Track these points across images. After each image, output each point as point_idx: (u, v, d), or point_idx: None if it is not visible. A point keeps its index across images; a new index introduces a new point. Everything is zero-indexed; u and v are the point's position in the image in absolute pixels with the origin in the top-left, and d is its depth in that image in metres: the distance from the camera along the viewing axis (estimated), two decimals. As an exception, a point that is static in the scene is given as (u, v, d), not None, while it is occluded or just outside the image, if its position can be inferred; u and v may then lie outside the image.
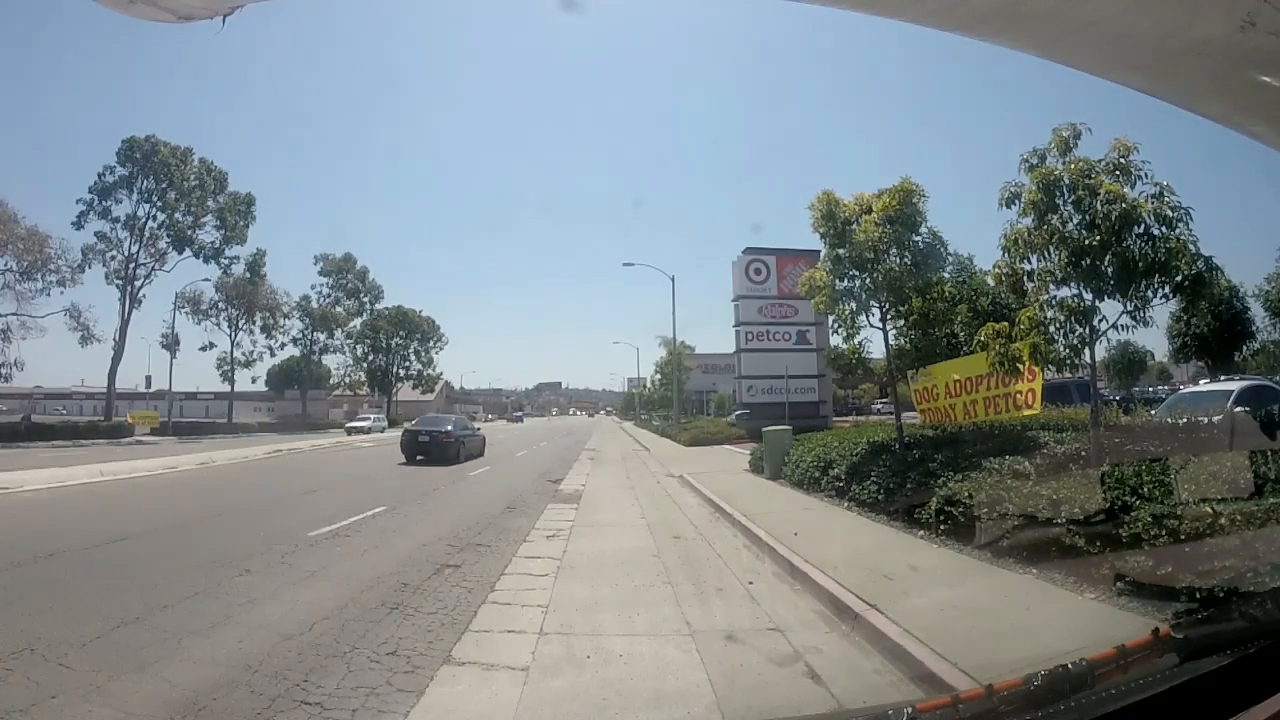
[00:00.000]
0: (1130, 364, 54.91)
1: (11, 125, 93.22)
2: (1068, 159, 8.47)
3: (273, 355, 67.33)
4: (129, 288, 51.11)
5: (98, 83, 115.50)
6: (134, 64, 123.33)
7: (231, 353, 63.28)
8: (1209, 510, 5.37)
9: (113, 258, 50.94)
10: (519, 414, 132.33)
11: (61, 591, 7.10)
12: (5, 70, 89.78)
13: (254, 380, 68.88)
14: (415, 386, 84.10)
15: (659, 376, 65.19)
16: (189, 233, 53.70)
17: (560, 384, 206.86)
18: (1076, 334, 8.33)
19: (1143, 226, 7.94)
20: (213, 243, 55.43)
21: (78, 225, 50.21)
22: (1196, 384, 25.47)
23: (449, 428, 26.03)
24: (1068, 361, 8.52)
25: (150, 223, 52.45)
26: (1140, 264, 7.85)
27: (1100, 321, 8.34)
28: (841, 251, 12.10)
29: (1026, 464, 7.97)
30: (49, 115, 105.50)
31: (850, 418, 43.76)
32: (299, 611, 6.41)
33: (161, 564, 8.41)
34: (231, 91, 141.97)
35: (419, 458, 24.19)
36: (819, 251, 13.43)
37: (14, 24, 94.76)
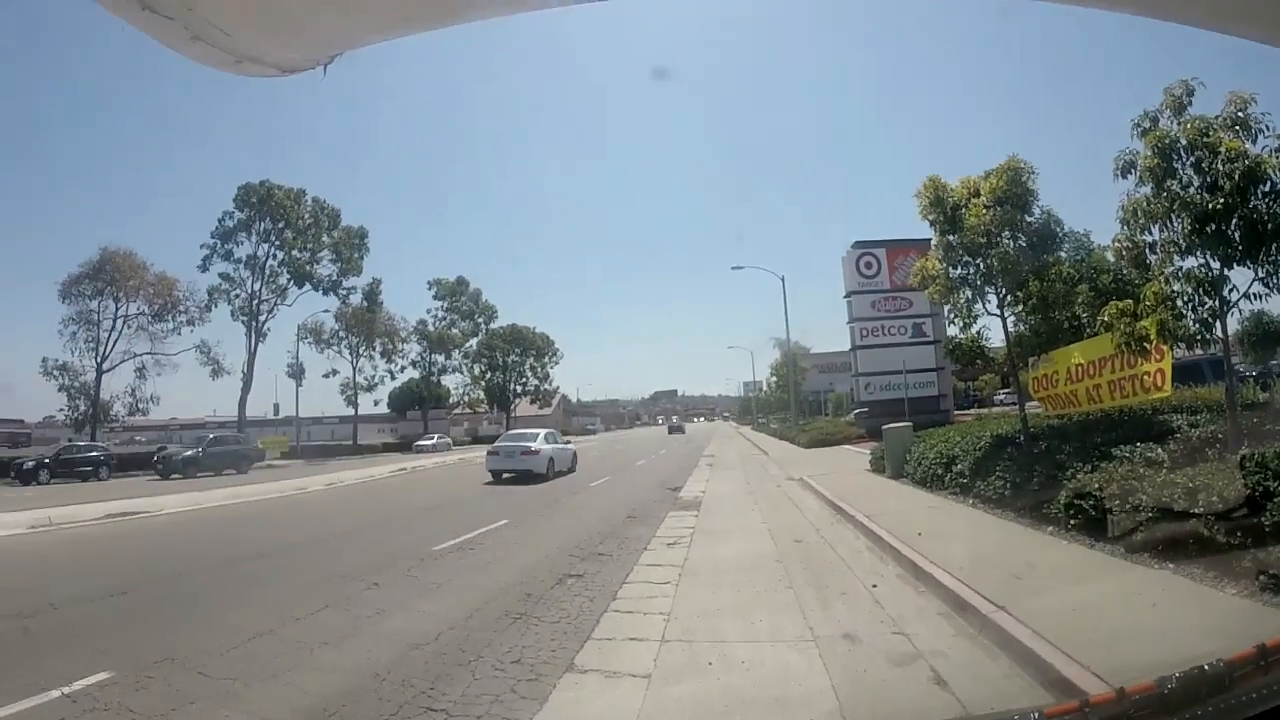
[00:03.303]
0: (1266, 335, 50.46)
1: (139, 182, 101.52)
2: (1183, 118, 8.03)
3: (393, 378, 70.00)
4: (254, 322, 54.72)
5: (213, 135, 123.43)
6: (247, 113, 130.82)
7: (354, 378, 65.92)
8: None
9: (237, 296, 54.80)
10: (592, 425, 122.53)
11: (199, 606, 7.67)
12: (131, 134, 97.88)
13: (376, 403, 71.25)
14: (533, 401, 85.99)
15: (775, 379, 64.56)
16: (307, 268, 56.97)
17: (676, 391, 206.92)
18: (1206, 307, 7.79)
19: (1269, 184, 7.39)
20: (330, 275, 58.72)
21: (203, 268, 54.30)
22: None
23: (676, 420, 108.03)
24: (1198, 337, 8.02)
25: (270, 261, 56.14)
26: (1270, 225, 7.32)
27: (1231, 291, 7.78)
28: (952, 238, 11.75)
29: (1159, 451, 7.55)
30: (170, 169, 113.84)
31: (972, 411, 42.20)
32: (425, 622, 6.68)
33: (292, 579, 8.95)
34: (342, 133, 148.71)
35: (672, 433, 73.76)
36: (929, 240, 13.11)
37: (138, 91, 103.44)
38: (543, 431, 25.31)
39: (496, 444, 24.60)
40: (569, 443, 29.17)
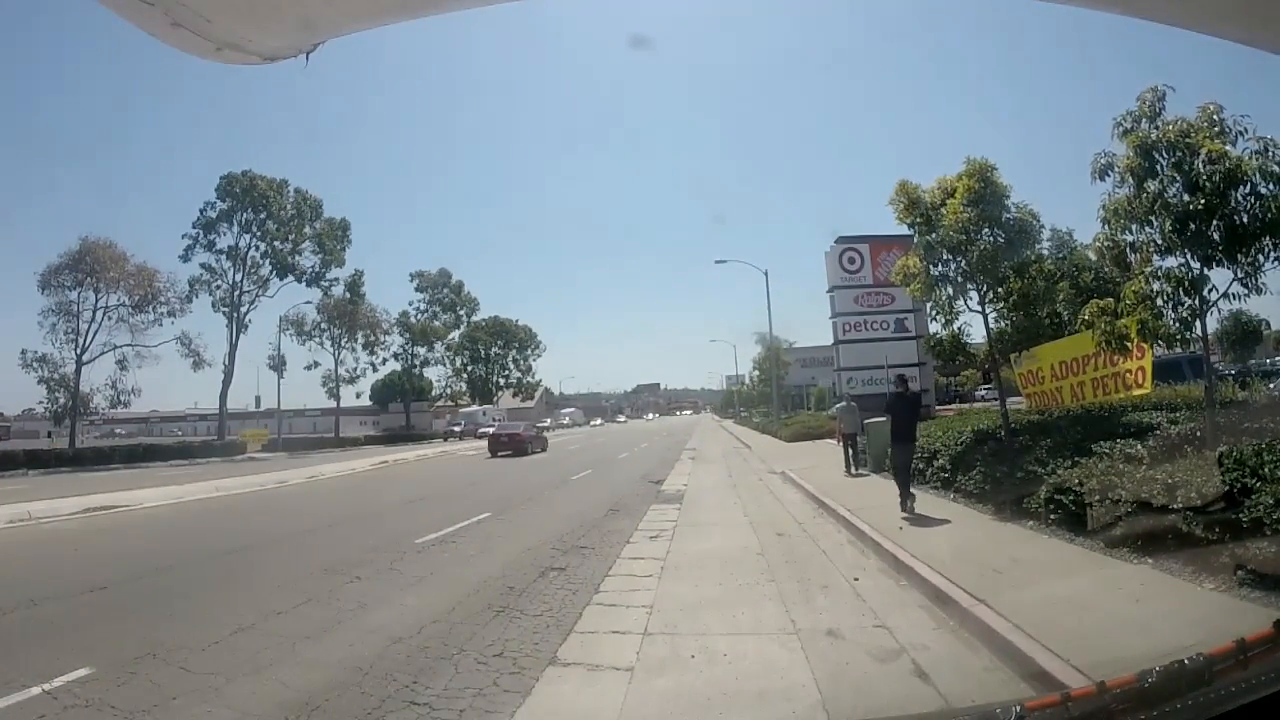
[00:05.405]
0: (1245, 335, 50.96)
1: (118, 173, 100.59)
2: (1162, 120, 8.07)
3: (375, 370, 69.31)
4: (235, 314, 54.16)
5: (195, 125, 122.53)
6: (228, 102, 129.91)
7: (335, 370, 65.31)
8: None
9: (218, 287, 54.28)
10: (565, 418, 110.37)
11: (180, 600, 7.62)
12: (109, 124, 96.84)
13: (358, 395, 70.79)
14: (516, 394, 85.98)
15: (757, 373, 64.56)
16: (289, 259, 56.50)
17: (658, 385, 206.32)
18: (1185, 306, 7.85)
19: (1249, 185, 7.44)
20: (312, 267, 58.29)
21: (184, 259, 53.72)
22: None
23: (656, 415, 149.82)
24: (1178, 336, 8.09)
25: (252, 252, 55.60)
26: (1249, 226, 7.38)
27: (1210, 291, 7.83)
28: (932, 237, 11.78)
29: (1139, 447, 7.61)
30: (151, 159, 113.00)
31: (954, 406, 42.46)
32: (407, 616, 6.67)
33: (275, 573, 8.88)
34: (322, 119, 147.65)
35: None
36: (912, 236, 13.12)
37: (118, 80, 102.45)
38: (653, 413, 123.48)
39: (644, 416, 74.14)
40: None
